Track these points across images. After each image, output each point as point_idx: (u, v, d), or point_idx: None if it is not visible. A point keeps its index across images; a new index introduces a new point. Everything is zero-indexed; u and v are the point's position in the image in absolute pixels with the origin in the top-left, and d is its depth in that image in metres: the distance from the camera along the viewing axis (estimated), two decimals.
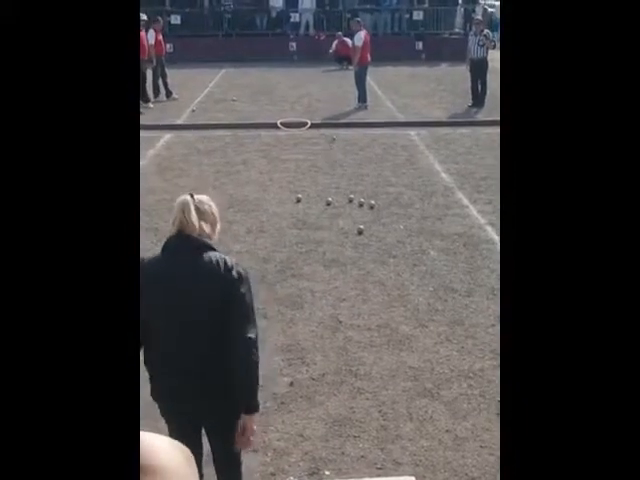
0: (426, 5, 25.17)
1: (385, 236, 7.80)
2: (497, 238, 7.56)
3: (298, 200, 9.04)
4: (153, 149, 11.95)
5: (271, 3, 24.87)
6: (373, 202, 8.83)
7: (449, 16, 25.30)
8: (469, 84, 15.46)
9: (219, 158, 11.39)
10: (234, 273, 3.07)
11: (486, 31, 15.24)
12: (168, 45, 19.03)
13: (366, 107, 15.25)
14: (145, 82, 15.79)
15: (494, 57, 13.35)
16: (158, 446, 0.96)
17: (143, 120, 13.41)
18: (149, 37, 15.81)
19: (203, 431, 3.38)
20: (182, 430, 3.22)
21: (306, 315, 5.97)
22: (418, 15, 24.80)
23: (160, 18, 17.76)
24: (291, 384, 4.95)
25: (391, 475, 4.03)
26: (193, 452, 1.06)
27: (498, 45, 13.71)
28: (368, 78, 15.76)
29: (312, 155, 11.50)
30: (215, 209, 3.20)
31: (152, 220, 7.70)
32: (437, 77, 20.24)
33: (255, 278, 6.31)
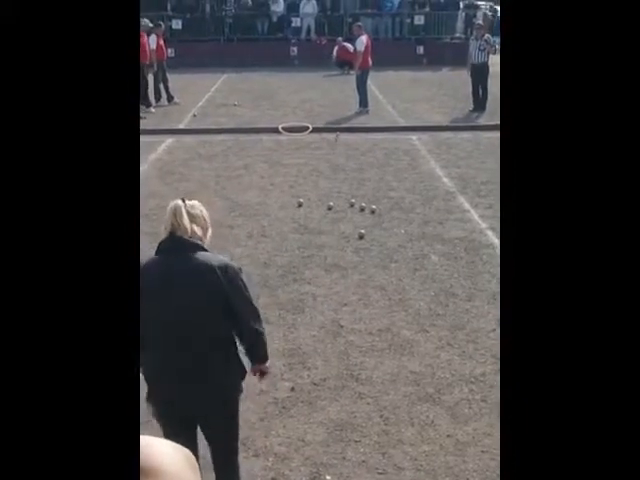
0: (427, 10, 25.18)
1: (386, 241, 7.80)
2: (498, 243, 7.55)
3: (299, 204, 9.04)
4: (154, 153, 11.95)
5: (272, 8, 24.89)
6: (374, 207, 8.82)
7: (450, 21, 25.29)
8: (470, 89, 15.47)
9: (220, 163, 11.40)
10: (229, 270, 3.15)
11: (487, 36, 15.23)
12: (169, 50, 19.05)
13: (367, 112, 15.25)
14: (147, 87, 15.83)
15: (495, 62, 13.34)
16: (161, 449, 0.96)
17: (145, 125, 13.46)
18: (150, 42, 15.84)
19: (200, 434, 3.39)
20: (178, 434, 3.22)
21: (307, 319, 5.97)
22: (419, 20, 24.80)
23: (162, 23, 17.79)
24: (292, 389, 4.94)
25: None
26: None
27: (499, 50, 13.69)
28: (369, 83, 15.77)
29: (313, 159, 11.50)
30: (206, 214, 3.28)
31: (153, 225, 7.70)
32: (438, 82, 20.25)
33: (256, 282, 6.34)
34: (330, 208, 8.86)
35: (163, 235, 3.19)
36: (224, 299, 3.12)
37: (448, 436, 4.43)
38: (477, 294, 6.46)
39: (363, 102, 15.35)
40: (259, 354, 3.43)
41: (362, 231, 7.95)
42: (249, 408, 4.52)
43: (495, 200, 8.86)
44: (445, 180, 10.28)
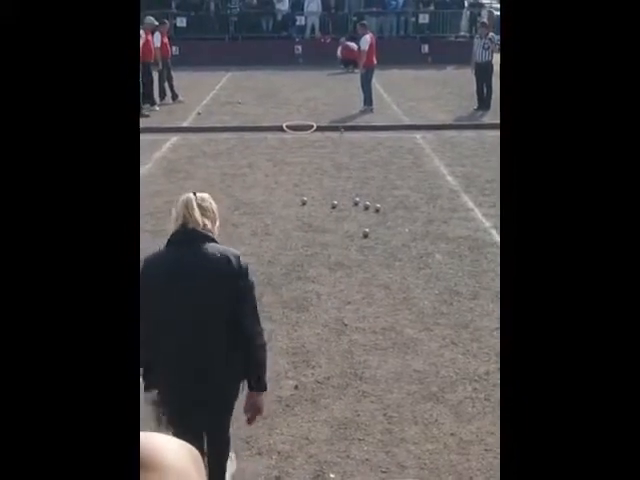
0: (432, 8, 25.16)
1: (390, 239, 7.80)
2: None
3: (303, 203, 9.04)
4: (159, 152, 11.97)
5: (277, 6, 24.91)
6: (378, 205, 8.82)
7: (455, 19, 25.27)
8: (475, 87, 15.45)
9: (225, 161, 11.41)
10: (242, 263, 3.21)
11: (491, 34, 15.23)
12: (174, 48, 19.06)
13: (372, 110, 15.25)
14: (152, 85, 15.85)
15: (499, 60, 13.34)
16: (165, 445, 0.97)
17: (149, 123, 13.50)
18: (155, 40, 15.85)
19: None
20: (185, 432, 3.24)
21: (311, 318, 5.98)
22: (424, 18, 24.79)
23: (166, 21, 17.80)
24: (296, 387, 4.95)
25: (396, 478, 4.03)
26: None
27: None
28: (374, 81, 15.77)
29: (318, 158, 11.50)
30: (215, 207, 3.35)
31: (158, 223, 7.72)
32: (443, 80, 20.23)
33: (261, 281, 6.34)
34: (334, 206, 8.86)
35: (173, 227, 3.22)
36: (236, 288, 3.17)
37: (452, 434, 4.43)
38: (481, 293, 6.45)
39: (367, 100, 15.35)
40: (257, 373, 3.29)
41: (366, 229, 7.95)
42: None
43: (499, 199, 8.85)
44: (449, 179, 10.27)
